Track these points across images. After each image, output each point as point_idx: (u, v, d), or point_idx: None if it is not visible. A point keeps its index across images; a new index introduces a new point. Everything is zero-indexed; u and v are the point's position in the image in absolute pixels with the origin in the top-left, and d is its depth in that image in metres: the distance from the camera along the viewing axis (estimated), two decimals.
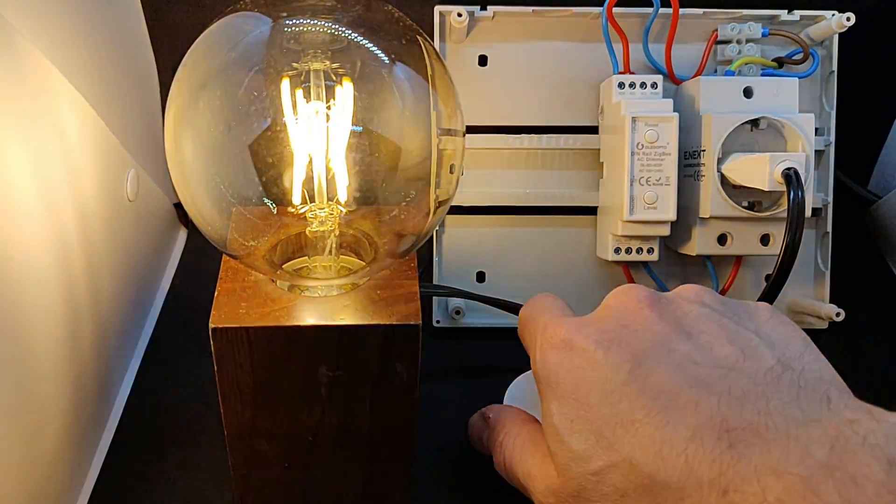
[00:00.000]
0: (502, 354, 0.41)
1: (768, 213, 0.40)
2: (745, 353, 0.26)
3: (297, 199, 0.30)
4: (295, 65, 0.29)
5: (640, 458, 0.24)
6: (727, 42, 0.44)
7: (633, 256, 0.43)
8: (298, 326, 0.28)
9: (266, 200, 0.29)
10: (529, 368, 0.31)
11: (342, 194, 0.30)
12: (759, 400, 0.24)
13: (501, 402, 0.36)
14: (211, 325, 0.28)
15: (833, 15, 0.43)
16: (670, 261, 0.46)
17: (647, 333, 0.27)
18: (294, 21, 0.29)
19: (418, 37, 0.30)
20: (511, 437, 0.31)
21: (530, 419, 0.32)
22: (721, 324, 0.27)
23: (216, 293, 0.30)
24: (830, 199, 0.45)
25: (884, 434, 0.21)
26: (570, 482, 0.26)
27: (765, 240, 0.42)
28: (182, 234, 0.53)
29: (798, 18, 0.44)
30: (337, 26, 0.29)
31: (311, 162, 0.29)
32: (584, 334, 0.28)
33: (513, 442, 0.31)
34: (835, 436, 0.22)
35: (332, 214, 0.31)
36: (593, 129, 0.45)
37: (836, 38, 0.44)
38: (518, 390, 0.36)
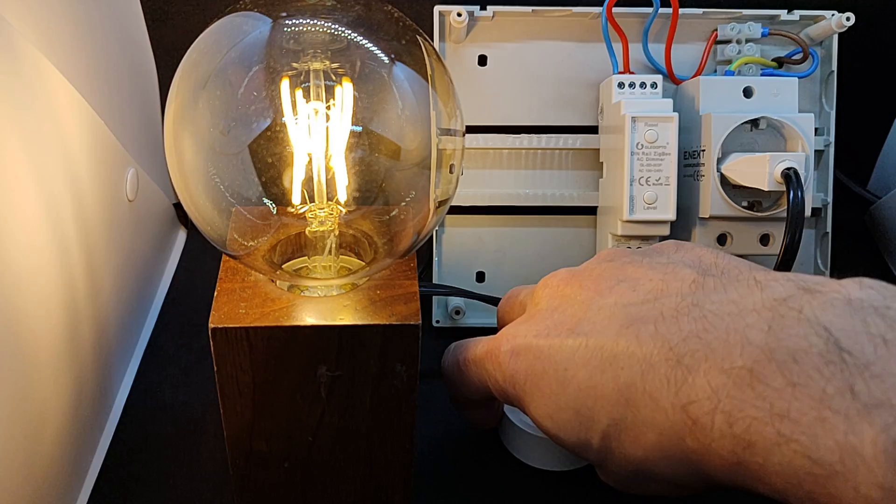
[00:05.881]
0: None
1: (768, 213, 0.40)
2: (666, 279, 0.26)
3: (296, 199, 0.30)
4: (295, 65, 0.29)
5: (617, 415, 0.25)
6: (727, 42, 0.44)
7: None
8: (298, 326, 0.28)
9: (266, 200, 0.29)
10: None
11: (342, 194, 0.30)
12: (693, 309, 0.24)
13: None
14: (210, 326, 0.28)
15: (833, 15, 0.43)
16: None
17: (574, 305, 0.28)
18: (294, 21, 0.29)
19: (418, 37, 0.30)
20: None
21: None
22: (638, 264, 0.28)
23: (216, 293, 0.30)
24: (830, 199, 0.45)
25: (819, 304, 0.22)
26: (596, 461, 0.27)
27: (764, 240, 0.42)
28: (182, 234, 0.53)
29: (798, 18, 0.44)
30: (337, 26, 0.29)
31: (310, 162, 0.29)
32: (522, 335, 0.29)
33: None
34: (770, 317, 0.22)
35: (331, 214, 0.31)
36: (593, 129, 0.45)
37: (835, 38, 0.44)
38: None
